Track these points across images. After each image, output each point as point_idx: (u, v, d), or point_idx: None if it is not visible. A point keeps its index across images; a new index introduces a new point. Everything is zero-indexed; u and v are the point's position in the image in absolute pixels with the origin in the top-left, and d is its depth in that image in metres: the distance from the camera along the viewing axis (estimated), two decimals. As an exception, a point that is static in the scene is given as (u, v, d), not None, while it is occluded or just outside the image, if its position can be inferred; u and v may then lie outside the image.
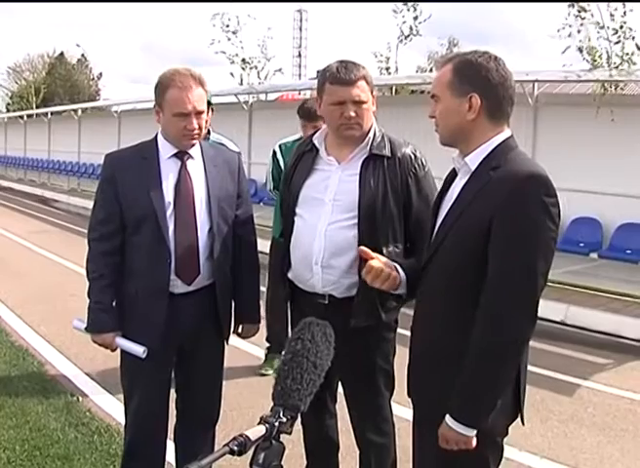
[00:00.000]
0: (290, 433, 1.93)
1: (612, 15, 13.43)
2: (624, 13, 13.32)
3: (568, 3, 13.75)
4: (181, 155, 3.84)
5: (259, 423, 1.89)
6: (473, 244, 2.70)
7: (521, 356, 2.73)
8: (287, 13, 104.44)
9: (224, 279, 3.98)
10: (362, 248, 3.21)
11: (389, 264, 3.13)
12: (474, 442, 2.71)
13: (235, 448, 1.79)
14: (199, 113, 3.72)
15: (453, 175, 3.02)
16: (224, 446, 1.79)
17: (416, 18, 18.95)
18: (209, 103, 3.95)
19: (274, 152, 6.97)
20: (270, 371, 6.95)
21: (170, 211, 3.76)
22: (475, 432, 2.70)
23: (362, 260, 3.63)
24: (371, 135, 3.79)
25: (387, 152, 3.76)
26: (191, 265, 3.82)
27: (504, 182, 2.67)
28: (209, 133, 6.07)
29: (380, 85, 17.29)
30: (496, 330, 2.62)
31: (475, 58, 2.80)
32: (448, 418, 2.72)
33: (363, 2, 61.20)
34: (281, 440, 1.91)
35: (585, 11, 13.63)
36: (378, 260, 3.11)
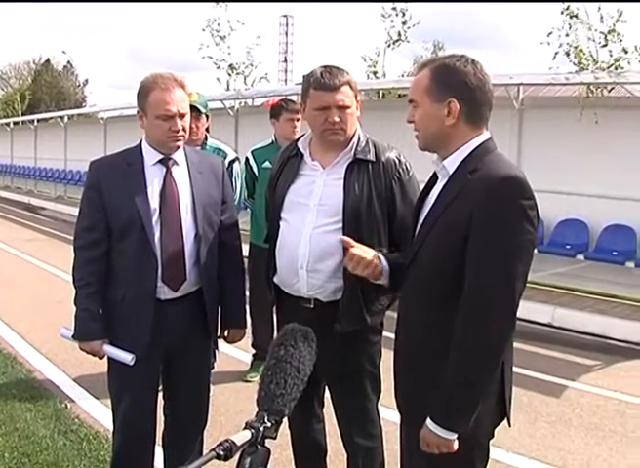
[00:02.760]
0: (275, 438, 1.95)
1: (602, 17, 13.49)
2: (617, 20, 13.39)
3: (560, 9, 13.80)
4: (166, 161, 3.85)
5: (244, 428, 1.91)
6: (451, 247, 2.72)
7: (501, 359, 2.72)
8: (272, 18, 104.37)
9: (211, 284, 3.98)
10: (344, 237, 3.29)
11: (372, 253, 3.20)
12: (455, 445, 2.72)
13: (221, 452, 1.81)
14: (182, 115, 3.74)
15: (435, 179, 3.02)
16: (211, 451, 1.81)
17: (404, 23, 18.95)
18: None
19: (247, 159, 6.97)
20: (255, 378, 6.87)
21: (155, 217, 3.76)
22: (456, 435, 2.70)
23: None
24: (355, 139, 3.80)
25: (372, 157, 3.78)
26: (178, 271, 3.83)
27: (481, 185, 2.67)
28: (206, 138, 6.07)
29: (367, 89, 17.31)
30: (474, 333, 2.63)
31: (453, 62, 2.80)
32: (429, 421, 2.73)
33: (350, 2, 61.20)
34: (267, 444, 1.92)
35: (577, 17, 13.68)
36: (360, 248, 3.18)
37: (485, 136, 2.86)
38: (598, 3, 13.48)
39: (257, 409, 1.99)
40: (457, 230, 2.69)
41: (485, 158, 2.78)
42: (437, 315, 2.81)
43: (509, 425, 2.95)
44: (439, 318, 2.80)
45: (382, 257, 3.23)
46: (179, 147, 3.86)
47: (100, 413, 6.06)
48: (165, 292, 3.83)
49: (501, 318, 2.64)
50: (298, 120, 6.67)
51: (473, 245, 2.66)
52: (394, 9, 18.73)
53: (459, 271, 2.69)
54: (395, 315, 3.12)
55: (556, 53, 13.85)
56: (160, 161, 3.85)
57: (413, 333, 2.92)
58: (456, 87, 2.77)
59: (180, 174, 3.89)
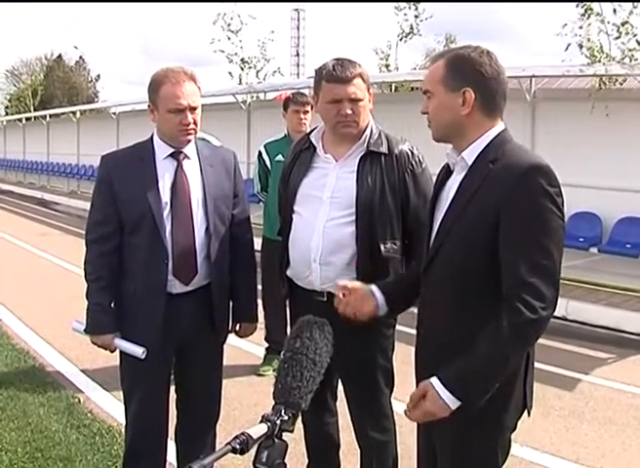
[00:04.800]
0: (292, 431, 1.94)
1: (615, 10, 13.42)
2: (631, 12, 13.32)
3: (576, 3, 13.75)
4: (177, 155, 3.85)
5: (260, 422, 1.90)
6: (479, 239, 2.68)
7: (535, 341, 2.70)
8: (284, 12, 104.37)
9: (222, 278, 3.98)
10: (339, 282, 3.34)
11: (363, 293, 3.25)
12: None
13: (237, 446, 1.80)
14: (193, 109, 3.73)
15: (447, 172, 3.00)
16: (226, 444, 1.80)
17: (417, 16, 18.94)
18: None
19: (259, 153, 7.00)
20: (269, 372, 6.94)
21: (167, 211, 3.77)
22: (457, 406, 2.62)
23: (360, 257, 3.67)
24: (368, 132, 3.79)
25: (384, 149, 3.76)
26: (189, 265, 3.83)
27: (507, 175, 2.65)
28: None
29: (380, 82, 17.29)
30: (516, 320, 2.55)
31: (468, 52, 2.79)
32: (436, 382, 2.64)
33: (361, 2, 61.29)
34: (283, 438, 1.91)
35: (592, 10, 13.63)
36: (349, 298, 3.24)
37: (500, 126, 2.84)
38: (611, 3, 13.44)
39: (271, 403, 1.98)
40: (483, 222, 2.66)
41: (505, 148, 2.76)
42: (462, 314, 2.77)
43: (529, 415, 2.93)
44: (464, 317, 2.75)
45: (377, 290, 3.24)
46: (190, 141, 3.86)
47: (112, 408, 6.07)
48: (176, 286, 3.83)
49: (548, 306, 2.57)
50: (305, 112, 6.69)
51: (506, 235, 2.62)
52: (408, 1, 18.73)
53: (485, 265, 2.67)
54: (409, 309, 3.10)
55: (569, 44, 13.80)
56: (171, 155, 3.85)
57: (436, 333, 2.89)
58: (471, 76, 2.75)
59: (192, 167, 3.89)
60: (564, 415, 6.25)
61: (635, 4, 13.26)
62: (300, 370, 1.98)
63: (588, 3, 13.58)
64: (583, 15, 13.61)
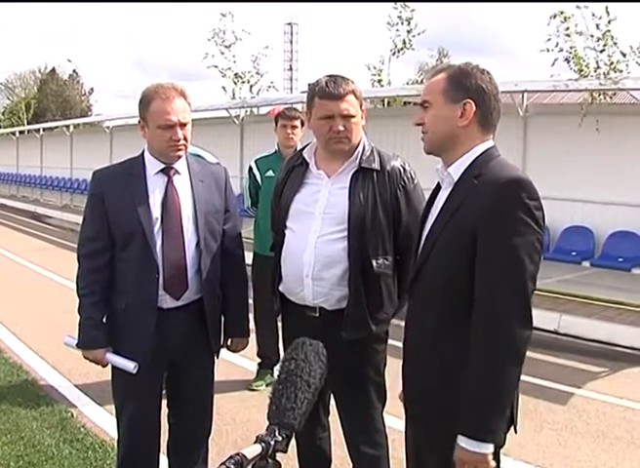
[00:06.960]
0: (285, 451, 1.94)
1: (597, 25, 13.46)
2: (609, 21, 13.35)
3: (551, 14, 13.78)
4: (168, 170, 3.86)
5: (254, 442, 1.90)
6: (461, 252, 2.70)
7: (523, 359, 2.68)
8: (277, 26, 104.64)
9: (213, 293, 3.99)
10: None
11: None
12: (492, 462, 2.63)
13: (232, 466, 1.79)
14: (183, 125, 3.75)
15: (438, 188, 3.03)
16: (221, 464, 1.79)
17: (409, 31, 18.95)
18: None
19: (250, 168, 7.02)
20: (261, 387, 6.89)
21: (157, 226, 3.78)
22: (491, 448, 2.62)
23: (352, 273, 3.67)
24: (360, 148, 3.81)
25: (377, 165, 3.78)
26: (179, 280, 3.83)
27: (487, 189, 2.68)
28: None
29: (372, 97, 17.30)
30: (491, 337, 2.59)
31: (470, 67, 2.85)
32: (461, 439, 2.63)
33: (357, 1, 61.50)
34: (277, 458, 1.92)
35: (567, 20, 13.66)
36: None
37: (489, 143, 2.88)
38: (589, 3, 13.45)
39: (263, 419, 1.99)
40: (465, 236, 2.69)
41: (489, 164, 2.79)
42: (449, 323, 2.79)
43: (515, 432, 2.93)
44: (451, 326, 2.77)
45: None
46: (180, 157, 3.87)
47: (105, 422, 6.05)
48: (167, 301, 3.84)
49: (516, 318, 2.60)
50: (293, 127, 6.71)
51: (481, 248, 2.65)
52: (400, 17, 18.74)
53: (469, 277, 2.68)
54: (400, 323, 3.11)
55: (555, 59, 13.85)
56: (162, 170, 3.86)
57: (424, 341, 2.90)
58: (473, 89, 2.80)
59: (182, 183, 3.90)
60: (557, 429, 6.25)
61: (607, 7, 13.29)
62: (294, 391, 1.99)
63: (566, 12, 13.63)
64: (562, 25, 13.65)
